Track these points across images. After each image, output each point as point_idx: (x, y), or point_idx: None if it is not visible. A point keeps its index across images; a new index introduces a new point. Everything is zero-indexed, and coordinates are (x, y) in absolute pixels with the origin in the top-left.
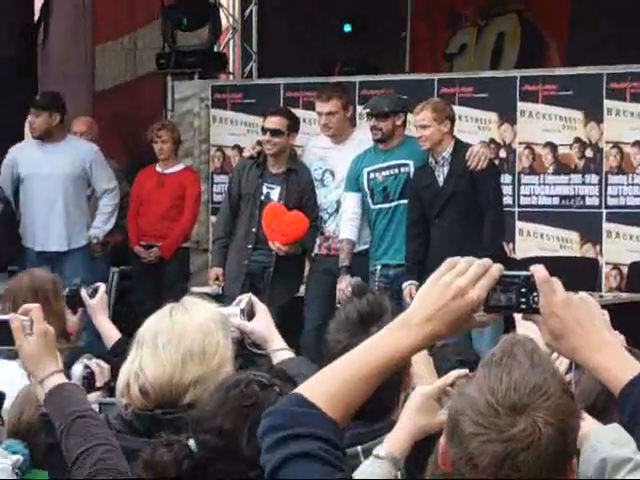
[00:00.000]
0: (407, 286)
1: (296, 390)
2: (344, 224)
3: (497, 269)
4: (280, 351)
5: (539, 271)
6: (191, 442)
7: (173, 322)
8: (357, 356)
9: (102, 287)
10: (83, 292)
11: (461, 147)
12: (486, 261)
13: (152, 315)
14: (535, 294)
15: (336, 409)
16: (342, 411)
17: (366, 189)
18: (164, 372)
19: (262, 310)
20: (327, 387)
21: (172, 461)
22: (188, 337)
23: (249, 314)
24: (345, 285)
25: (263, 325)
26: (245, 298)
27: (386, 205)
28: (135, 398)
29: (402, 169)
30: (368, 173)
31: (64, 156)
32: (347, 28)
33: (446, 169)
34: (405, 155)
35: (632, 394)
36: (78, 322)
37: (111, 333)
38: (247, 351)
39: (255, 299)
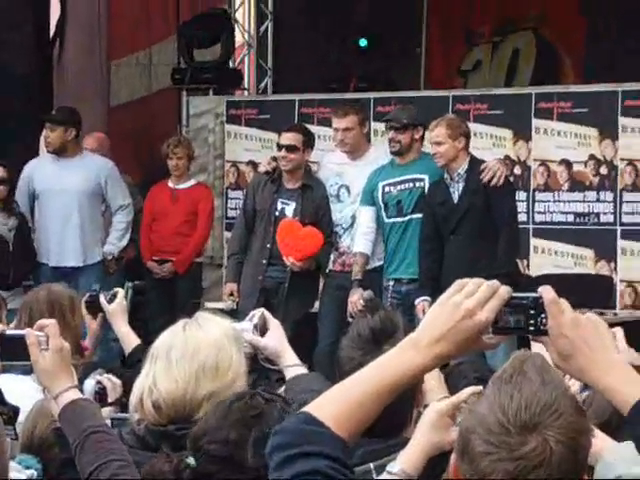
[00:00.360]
0: (420, 302)
1: (305, 409)
2: (358, 237)
3: (506, 291)
4: (293, 367)
5: (547, 292)
6: (190, 459)
7: (187, 337)
8: (366, 375)
9: (121, 292)
10: (102, 298)
11: (476, 164)
12: (495, 283)
13: (166, 330)
14: (543, 315)
15: (345, 428)
16: (351, 430)
17: (380, 202)
18: (177, 387)
19: (275, 325)
20: (336, 406)
21: (172, 471)
22: (202, 352)
23: (262, 329)
24: (357, 298)
25: (276, 340)
26: (258, 313)
27: (399, 219)
28: (148, 413)
29: (417, 183)
30: (383, 187)
31: (79, 171)
32: (363, 43)
33: (461, 185)
34: (421, 170)
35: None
36: (98, 328)
37: (130, 339)
38: (260, 366)
39: (268, 314)
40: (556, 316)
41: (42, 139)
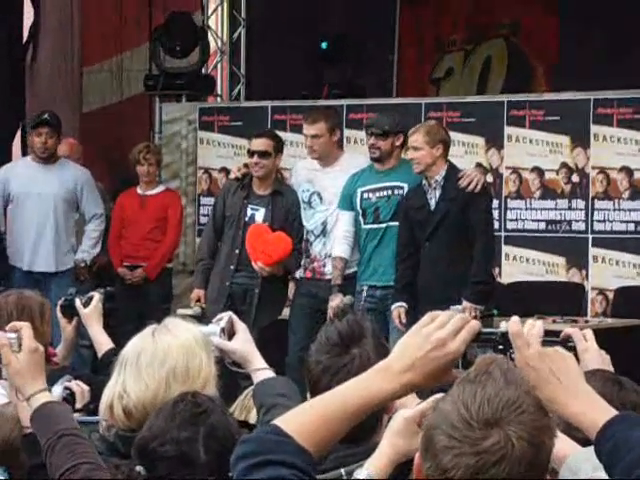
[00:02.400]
0: (396, 308)
1: (273, 422)
2: (337, 242)
3: (477, 323)
4: (261, 371)
5: (513, 326)
6: (139, 467)
7: (156, 343)
8: (336, 396)
9: (96, 296)
10: (77, 301)
11: (454, 172)
12: (466, 315)
13: (135, 336)
14: (512, 350)
15: (310, 442)
16: (316, 445)
17: (358, 208)
18: (148, 392)
19: (242, 329)
20: (303, 421)
21: None
22: (172, 357)
23: (229, 333)
24: (337, 303)
25: (244, 344)
26: (225, 317)
27: (376, 226)
28: (118, 419)
29: (396, 191)
30: (362, 193)
31: (57, 177)
32: (330, 53)
33: (438, 192)
34: (401, 178)
35: (607, 436)
36: (73, 332)
37: (104, 343)
38: (228, 370)
39: (235, 317)
40: (521, 349)
41: (16, 144)
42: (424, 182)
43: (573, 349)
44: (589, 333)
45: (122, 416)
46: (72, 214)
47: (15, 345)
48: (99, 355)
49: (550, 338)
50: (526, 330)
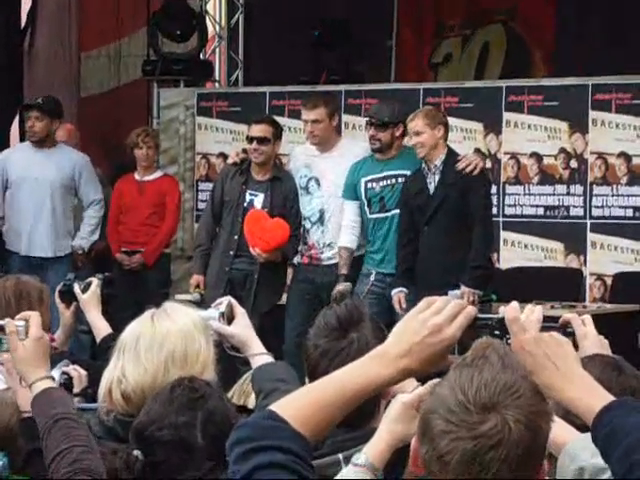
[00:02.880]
0: (396, 293)
1: (269, 407)
2: (343, 232)
3: (473, 309)
4: (260, 356)
5: (510, 311)
6: (136, 452)
7: (155, 327)
8: (332, 380)
9: (95, 282)
10: (76, 287)
11: (453, 156)
12: (462, 301)
13: (133, 321)
14: (508, 336)
15: (306, 428)
16: (313, 430)
17: (364, 199)
18: (146, 376)
19: (241, 313)
20: (299, 406)
21: (124, 466)
22: (170, 341)
23: (229, 317)
24: (341, 290)
25: (243, 329)
26: (225, 301)
27: (382, 215)
28: (117, 403)
29: (399, 179)
30: (366, 183)
31: (55, 163)
32: (328, 38)
33: (437, 177)
34: (403, 166)
35: (604, 422)
36: (71, 317)
37: (102, 328)
38: (226, 355)
39: (234, 302)
40: (517, 334)
41: (14, 129)
42: (424, 166)
43: (572, 334)
44: (588, 319)
45: (121, 400)
46: (70, 199)
47: (22, 333)
48: (97, 340)
49: (549, 324)
50: (525, 315)
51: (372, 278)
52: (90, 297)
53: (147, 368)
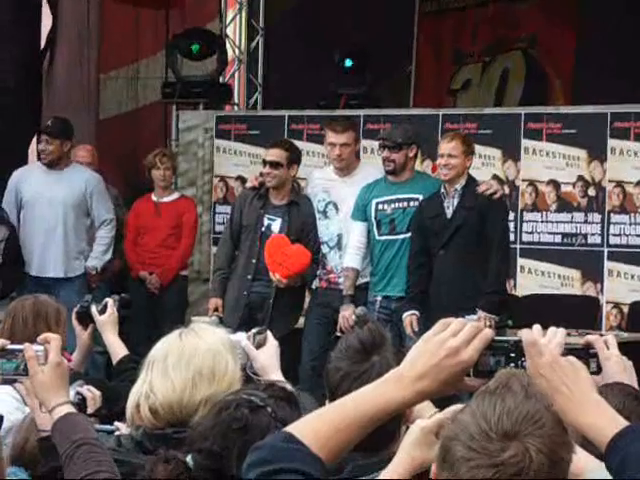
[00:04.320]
0: (407, 316)
1: (285, 428)
2: (349, 253)
3: (490, 331)
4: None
5: (527, 335)
6: (188, 458)
7: (183, 344)
8: (349, 403)
9: (111, 303)
10: (93, 308)
11: (473, 182)
12: (479, 324)
13: (162, 339)
14: (524, 359)
15: (323, 449)
16: (329, 452)
17: (373, 220)
18: (174, 392)
19: (273, 345)
20: (316, 428)
21: (167, 479)
22: (198, 358)
23: (259, 343)
24: (349, 313)
25: (268, 356)
26: (262, 329)
27: (392, 237)
28: (145, 418)
29: (412, 203)
30: (377, 204)
31: (67, 183)
32: (348, 63)
33: (456, 201)
34: (415, 190)
35: (618, 448)
36: (88, 338)
37: (118, 350)
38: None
39: (270, 334)
40: (534, 357)
41: (32, 150)
42: (442, 191)
43: (595, 356)
44: (611, 339)
45: (149, 415)
46: (83, 220)
47: (42, 357)
48: (114, 362)
49: (571, 346)
50: (548, 338)
51: (377, 305)
52: (107, 319)
53: (175, 384)
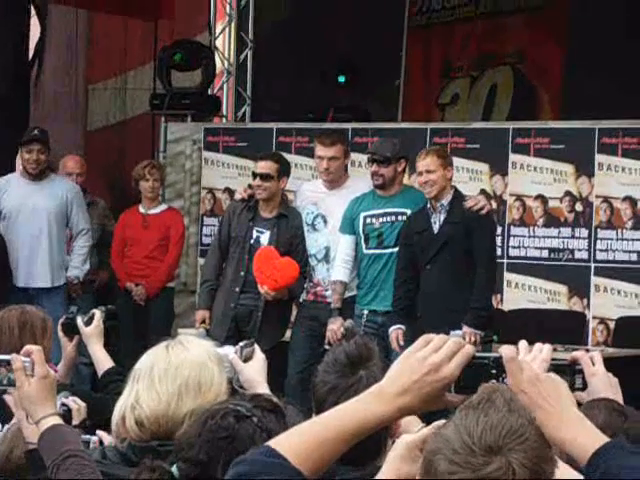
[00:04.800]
0: (394, 330)
1: (267, 443)
2: (337, 266)
3: (471, 347)
4: None
5: (507, 351)
6: (174, 468)
7: (169, 356)
8: (331, 418)
9: (98, 315)
10: (79, 320)
11: (460, 197)
12: (460, 340)
13: (148, 350)
14: (504, 375)
15: (306, 464)
16: (311, 467)
17: (361, 233)
18: (160, 403)
19: (260, 359)
20: (298, 442)
21: None
22: (184, 370)
23: (247, 357)
24: (337, 326)
25: (255, 371)
26: (249, 343)
27: (379, 251)
28: (131, 430)
29: (400, 217)
30: (365, 217)
31: (49, 193)
32: (341, 79)
33: (443, 216)
34: (404, 204)
35: (598, 462)
36: (73, 350)
37: (104, 361)
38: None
39: (257, 348)
40: (515, 374)
41: (20, 160)
42: (429, 206)
43: (580, 372)
44: (597, 356)
45: (134, 427)
46: (64, 229)
47: (29, 369)
48: (99, 373)
49: (557, 362)
50: (533, 354)
51: (364, 319)
52: (93, 330)
53: (161, 395)
